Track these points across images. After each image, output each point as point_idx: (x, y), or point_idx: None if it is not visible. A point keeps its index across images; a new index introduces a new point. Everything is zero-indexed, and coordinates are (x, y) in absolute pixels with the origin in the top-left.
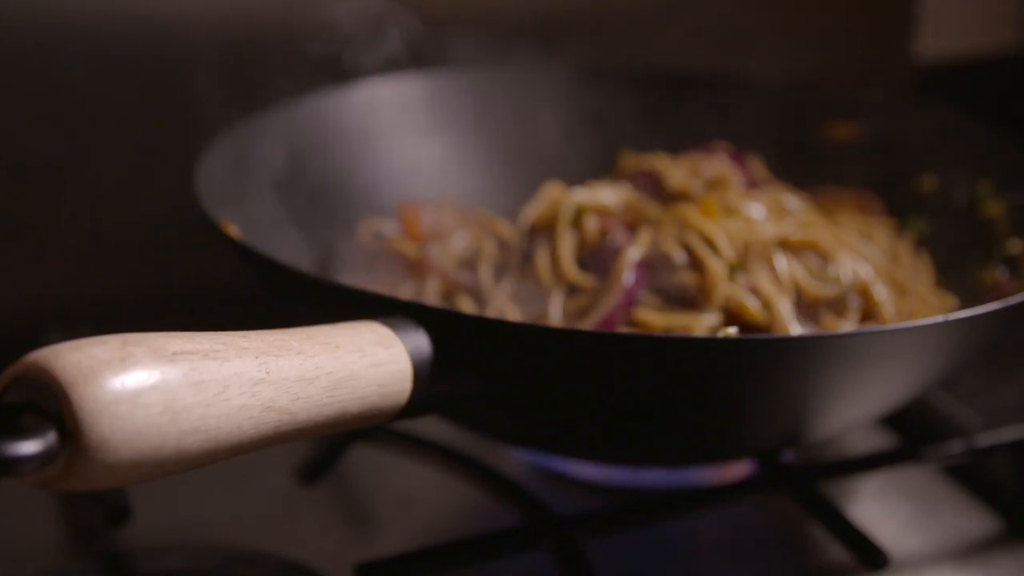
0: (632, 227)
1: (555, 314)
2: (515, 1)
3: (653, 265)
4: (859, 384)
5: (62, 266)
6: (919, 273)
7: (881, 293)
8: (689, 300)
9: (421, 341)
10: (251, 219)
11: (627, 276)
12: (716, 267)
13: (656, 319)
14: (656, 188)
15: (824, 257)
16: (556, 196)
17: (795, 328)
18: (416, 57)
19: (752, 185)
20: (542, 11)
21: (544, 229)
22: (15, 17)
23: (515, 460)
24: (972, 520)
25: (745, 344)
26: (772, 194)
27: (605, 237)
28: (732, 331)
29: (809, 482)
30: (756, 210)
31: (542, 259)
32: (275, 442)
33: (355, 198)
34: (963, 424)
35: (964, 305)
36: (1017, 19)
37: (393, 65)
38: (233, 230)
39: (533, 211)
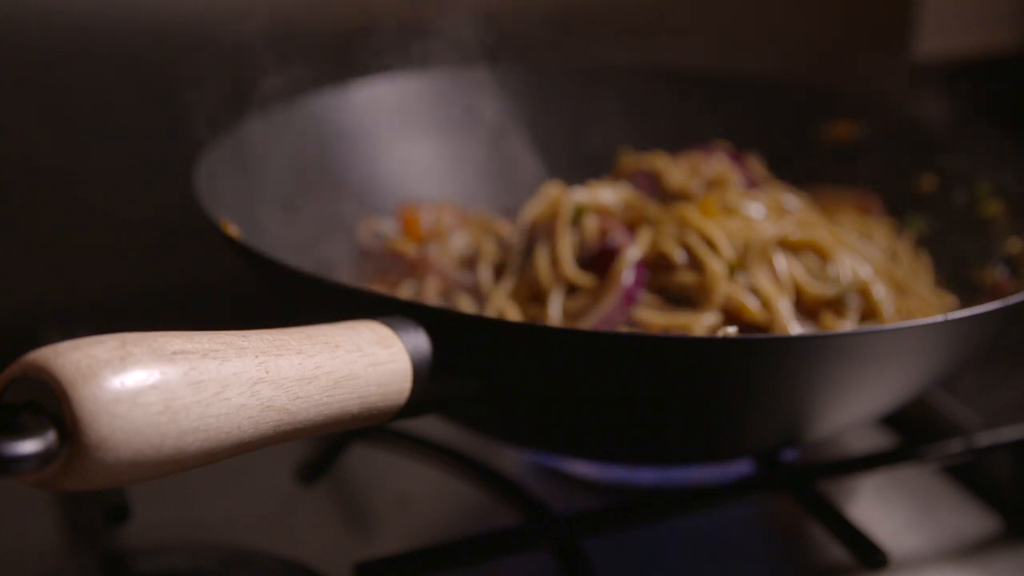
0: (632, 227)
1: (554, 314)
2: (515, 1)
3: (653, 264)
4: (859, 384)
5: (62, 266)
6: (919, 273)
7: (881, 292)
8: (689, 300)
9: (420, 341)
10: (251, 219)
11: (626, 276)
12: (716, 267)
13: (655, 319)
14: (656, 188)
15: (824, 257)
16: (556, 196)
17: (795, 328)
18: (416, 56)
19: (752, 185)
20: (542, 11)
21: (544, 229)
22: (15, 17)
23: (514, 460)
24: (971, 520)
25: (745, 344)
26: (772, 194)
27: (605, 237)
28: (732, 331)
29: (809, 482)
30: (756, 210)
31: (541, 259)
32: (275, 442)
33: (355, 198)
34: (963, 424)
35: (964, 305)
36: (1017, 19)
37: (393, 65)
38: (233, 230)
39: (533, 211)
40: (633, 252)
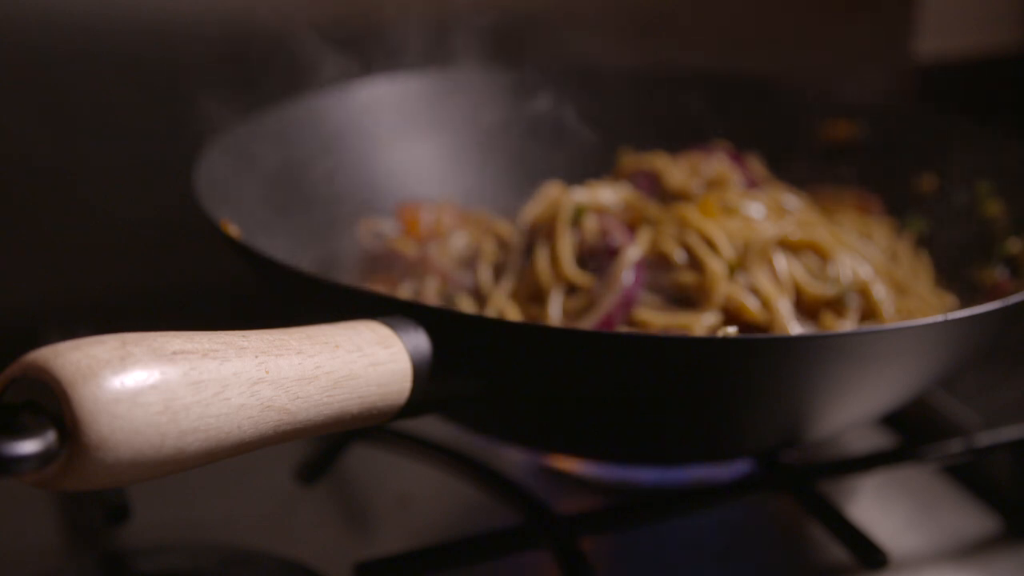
0: (632, 227)
1: (554, 314)
2: (516, 1)
3: (653, 265)
4: (859, 384)
5: (62, 266)
6: (918, 272)
7: (881, 292)
8: (689, 300)
9: (420, 341)
10: (251, 219)
11: (626, 275)
12: (716, 267)
13: (655, 319)
14: (656, 188)
15: (824, 257)
16: (556, 196)
17: (795, 328)
18: (417, 57)
19: (752, 185)
20: (542, 11)
21: (544, 229)
22: (15, 17)
23: (514, 460)
24: (971, 520)
25: (745, 344)
26: (772, 194)
27: (605, 237)
28: (732, 331)
29: (809, 482)
30: (756, 210)
31: (541, 259)
32: (274, 442)
33: (355, 198)
34: (963, 424)
35: (964, 305)
36: (1017, 19)
37: (393, 65)
38: (233, 230)
39: (533, 211)
40: (633, 252)
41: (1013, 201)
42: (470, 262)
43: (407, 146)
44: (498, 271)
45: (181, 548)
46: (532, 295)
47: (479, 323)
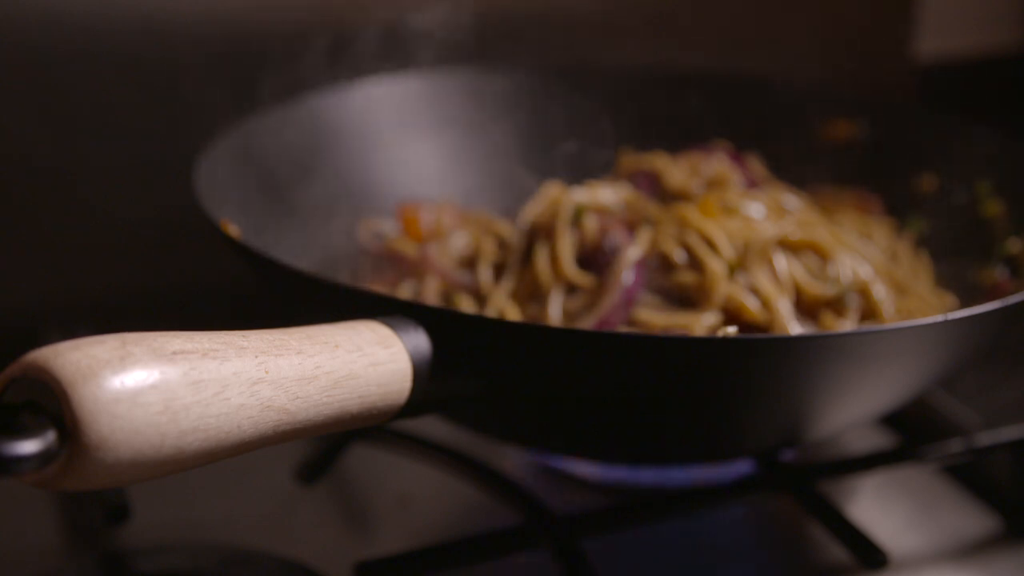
0: (631, 226)
1: (554, 314)
2: (517, 1)
3: (652, 264)
4: (859, 384)
5: (62, 266)
6: (918, 272)
7: (880, 292)
8: (689, 300)
9: (420, 341)
10: (251, 219)
11: (626, 275)
12: (716, 266)
13: (655, 319)
14: (656, 188)
15: (824, 257)
16: (556, 196)
17: (795, 328)
18: (417, 57)
19: (752, 185)
20: (543, 11)
21: (543, 229)
22: (15, 17)
23: (515, 460)
24: (971, 520)
25: (745, 344)
26: (772, 194)
27: (604, 237)
28: (732, 331)
29: (809, 482)
30: (756, 209)
31: (541, 259)
32: (274, 442)
33: (355, 198)
34: (963, 424)
35: (964, 305)
36: (1017, 19)
37: (393, 64)
38: (233, 230)
39: (533, 211)
40: (633, 252)
41: (1013, 201)
42: (470, 262)
43: (407, 146)
44: (498, 271)
45: (181, 548)
46: (532, 295)
47: (479, 323)
